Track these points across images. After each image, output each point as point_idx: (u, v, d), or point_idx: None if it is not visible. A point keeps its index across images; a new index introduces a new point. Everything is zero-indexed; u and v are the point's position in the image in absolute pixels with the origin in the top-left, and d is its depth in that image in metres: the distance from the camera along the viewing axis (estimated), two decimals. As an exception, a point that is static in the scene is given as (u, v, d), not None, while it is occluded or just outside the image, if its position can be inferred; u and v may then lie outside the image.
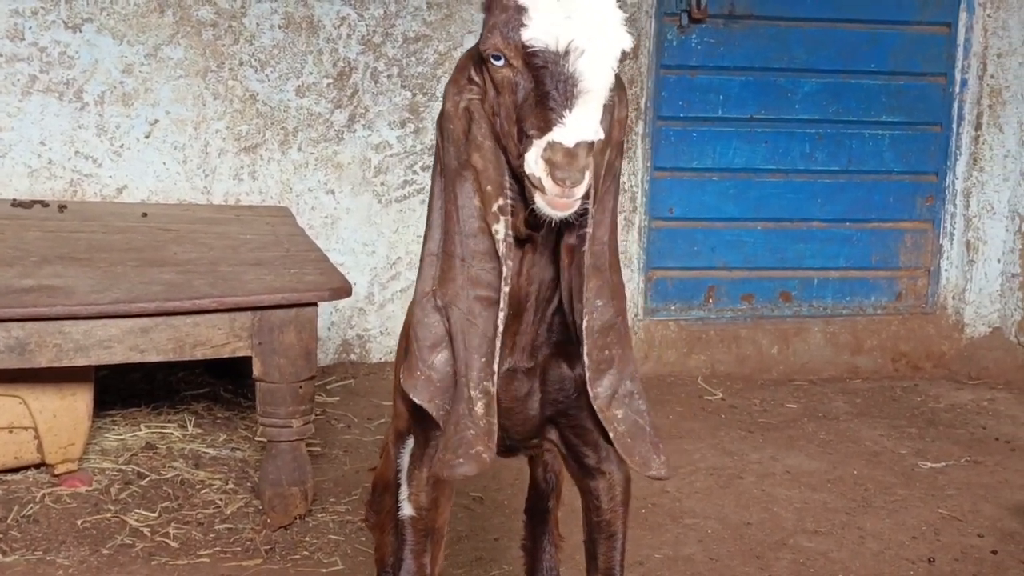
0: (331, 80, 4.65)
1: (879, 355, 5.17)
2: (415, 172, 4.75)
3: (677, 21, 4.89)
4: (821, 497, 3.69)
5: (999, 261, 5.22)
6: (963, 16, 5.09)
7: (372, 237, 4.75)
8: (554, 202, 1.69)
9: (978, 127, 5.13)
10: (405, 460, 2.14)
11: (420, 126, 4.72)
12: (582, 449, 2.08)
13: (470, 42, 4.73)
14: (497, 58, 1.72)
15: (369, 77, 4.68)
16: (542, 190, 1.68)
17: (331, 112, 4.67)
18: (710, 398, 4.69)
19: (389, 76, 4.69)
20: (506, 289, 1.81)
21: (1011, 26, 5.08)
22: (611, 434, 1.88)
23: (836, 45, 5.05)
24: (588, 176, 1.68)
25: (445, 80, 4.70)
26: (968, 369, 5.17)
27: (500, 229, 1.79)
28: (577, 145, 1.65)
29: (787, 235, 5.13)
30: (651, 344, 4.97)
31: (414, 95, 4.72)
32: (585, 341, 1.85)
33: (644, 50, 4.85)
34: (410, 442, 2.14)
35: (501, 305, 1.80)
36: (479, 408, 1.80)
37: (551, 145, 1.66)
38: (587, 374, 1.86)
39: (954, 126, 5.15)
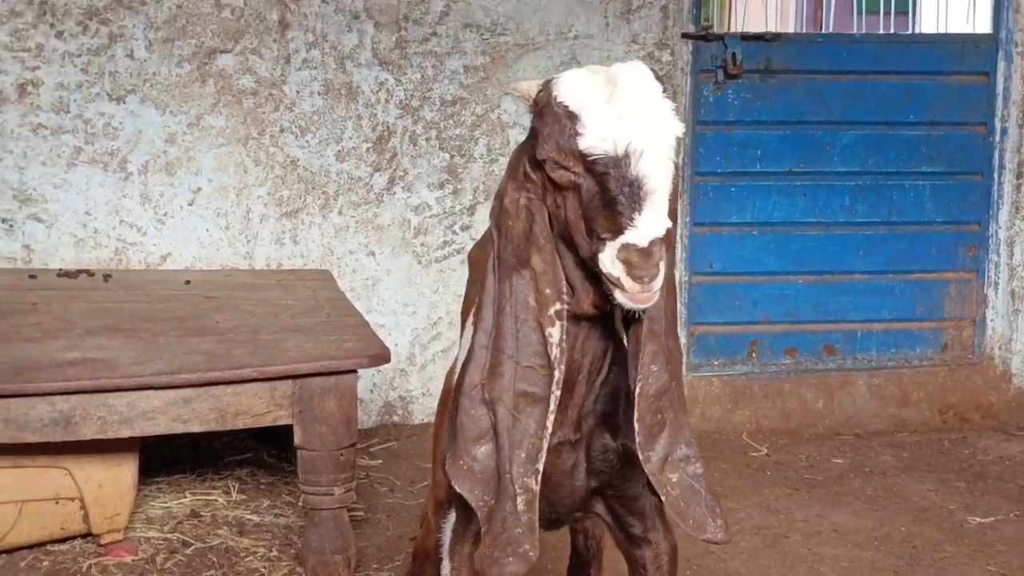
0: (370, 144, 4.70)
1: (926, 407, 5.12)
2: (454, 232, 4.78)
3: (713, 77, 4.91)
4: (868, 555, 3.65)
5: (1045, 310, 5.18)
6: (1001, 65, 5.07)
7: (413, 298, 4.78)
8: (635, 298, 1.71)
9: (1019, 175, 5.10)
10: (448, 535, 2.14)
11: (459, 187, 4.76)
12: (628, 519, 2.08)
13: (507, 104, 4.79)
14: (557, 165, 1.73)
15: (408, 140, 4.73)
16: (621, 288, 1.70)
17: (371, 175, 4.72)
18: (755, 454, 4.66)
19: (427, 139, 4.74)
20: (557, 393, 1.81)
21: (1050, 74, 5.07)
22: (664, 498, 1.88)
23: (874, 97, 5.04)
24: (663, 266, 1.70)
25: (483, 142, 4.75)
26: (1017, 420, 5.10)
27: (554, 333, 1.80)
28: (651, 243, 1.67)
29: (829, 288, 5.10)
30: (695, 400, 4.95)
31: (452, 157, 4.76)
32: (637, 405, 1.85)
33: (680, 107, 4.87)
34: (452, 516, 2.14)
35: (551, 407, 1.81)
36: (520, 505, 1.81)
37: (626, 247, 1.67)
38: (639, 439, 1.86)
39: (995, 175, 5.12)
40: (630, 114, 1.68)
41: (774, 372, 5.07)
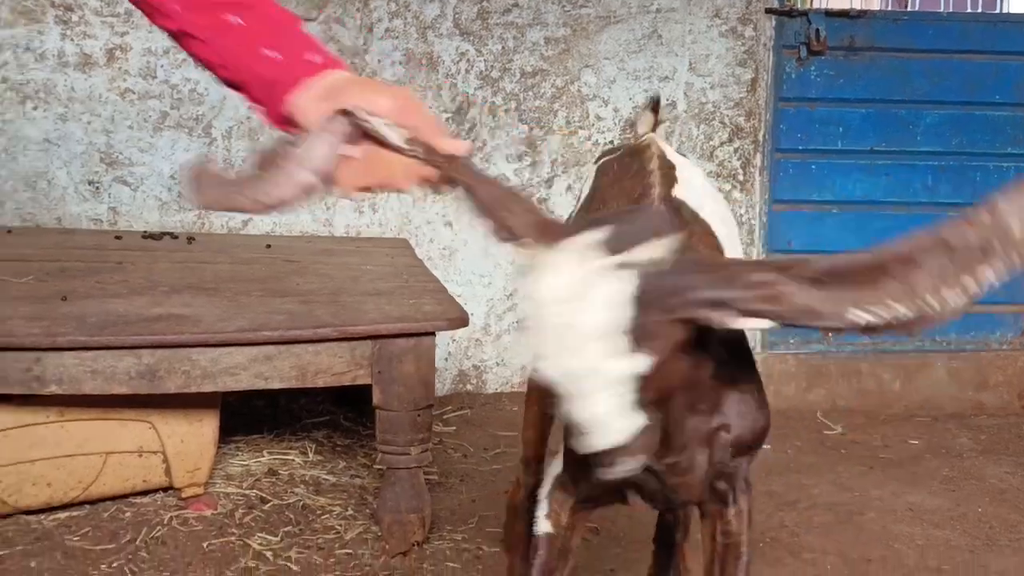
0: (450, 114, 4.72)
1: (1005, 391, 5.05)
2: (532, 205, 4.78)
3: (796, 54, 4.87)
4: (944, 535, 3.61)
5: None
6: (1091, 45, 4.98)
7: (489, 269, 4.80)
8: None
9: (1108, 158, 5.01)
10: (550, 479, 2.13)
11: (537, 159, 4.77)
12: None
13: (587, 76, 4.79)
14: None
15: (487, 111, 4.74)
16: None
17: (450, 146, 4.73)
18: (829, 432, 4.63)
19: (507, 110, 4.75)
20: None
21: None
22: None
23: (959, 76, 4.97)
24: None
25: (562, 114, 4.76)
26: (1097, 406, 5.03)
27: None
28: None
29: (909, 269, 5.03)
30: (769, 378, 4.90)
31: (531, 129, 4.77)
32: None
33: (762, 83, 4.85)
34: (555, 464, 2.13)
35: None
36: None
37: None
38: None
39: (1082, 157, 5.03)
40: None
41: (850, 352, 5.03)
